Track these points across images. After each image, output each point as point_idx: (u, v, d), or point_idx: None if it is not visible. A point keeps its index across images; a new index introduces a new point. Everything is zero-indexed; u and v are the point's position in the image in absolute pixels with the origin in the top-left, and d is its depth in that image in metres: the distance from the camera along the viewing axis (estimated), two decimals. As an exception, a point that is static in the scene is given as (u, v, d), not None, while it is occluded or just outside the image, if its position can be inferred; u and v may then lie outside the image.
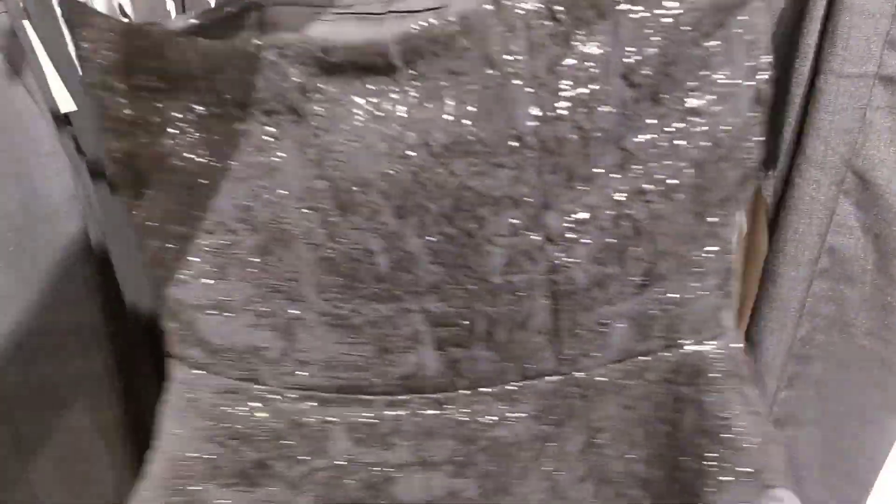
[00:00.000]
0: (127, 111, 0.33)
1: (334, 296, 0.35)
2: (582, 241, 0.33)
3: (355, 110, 0.31)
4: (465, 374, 0.36)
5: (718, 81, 0.32)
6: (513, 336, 0.35)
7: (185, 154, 0.33)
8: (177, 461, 0.38)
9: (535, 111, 0.31)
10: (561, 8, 0.30)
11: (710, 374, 0.36)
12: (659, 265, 0.35)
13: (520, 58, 0.30)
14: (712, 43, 0.31)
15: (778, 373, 0.45)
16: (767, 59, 0.32)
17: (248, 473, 0.37)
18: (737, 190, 0.35)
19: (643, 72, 0.31)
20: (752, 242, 0.64)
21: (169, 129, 0.33)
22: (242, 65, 0.31)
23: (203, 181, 0.33)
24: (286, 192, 0.33)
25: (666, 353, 0.36)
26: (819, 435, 0.45)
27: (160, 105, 0.32)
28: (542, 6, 0.30)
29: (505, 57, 0.30)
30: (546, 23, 0.30)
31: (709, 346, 0.36)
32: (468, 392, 0.36)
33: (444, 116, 0.31)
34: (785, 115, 0.40)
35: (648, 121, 0.32)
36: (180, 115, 0.32)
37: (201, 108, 0.32)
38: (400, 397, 0.36)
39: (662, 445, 0.38)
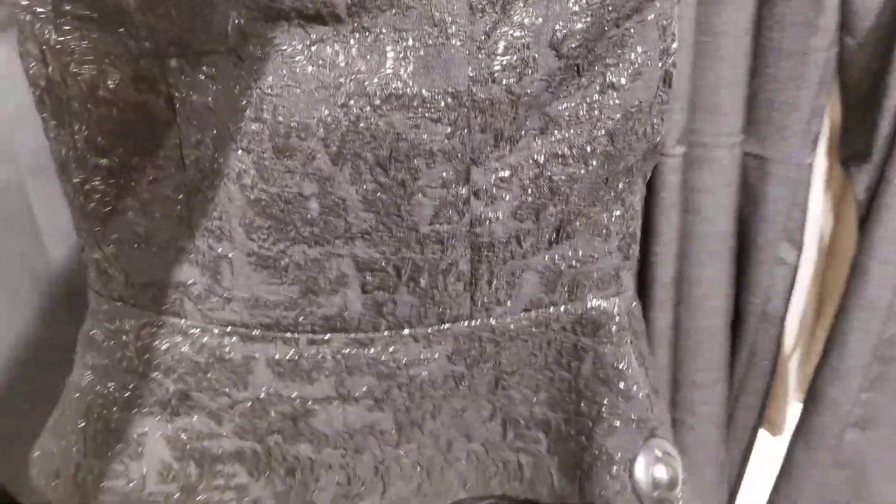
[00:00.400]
0: (55, 37, 0.32)
1: (263, 237, 0.35)
2: (504, 197, 0.36)
3: (297, 57, 0.32)
4: (387, 316, 0.38)
5: (634, 60, 0.35)
6: (435, 283, 0.37)
7: (114, 88, 0.33)
8: (95, 390, 0.38)
9: (471, 72, 0.33)
10: None
11: (609, 327, 0.39)
12: (570, 224, 0.37)
13: (460, 20, 0.32)
14: (630, 25, 0.34)
15: (861, 374, 0.44)
16: (675, 43, 0.36)
17: (169, 403, 0.38)
18: (642, 160, 0.38)
19: (570, 45, 0.33)
20: (838, 242, 0.64)
21: (100, 62, 0.32)
22: (181, 4, 0.31)
23: (132, 116, 0.33)
24: (218, 133, 0.33)
25: (570, 306, 0.39)
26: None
27: (94, 36, 0.32)
28: None
29: (446, 18, 0.32)
30: None
31: (609, 302, 0.39)
32: (389, 333, 0.38)
33: (384, 70, 0.32)
34: (881, 111, 0.39)
35: (571, 90, 0.35)
36: (112, 49, 0.32)
37: (133, 42, 0.32)
38: (323, 336, 0.38)
39: (563, 391, 0.40)
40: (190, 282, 0.37)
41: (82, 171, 0.35)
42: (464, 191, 0.35)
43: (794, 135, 0.60)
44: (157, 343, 0.37)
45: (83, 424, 0.39)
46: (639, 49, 0.35)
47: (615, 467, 0.39)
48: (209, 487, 0.39)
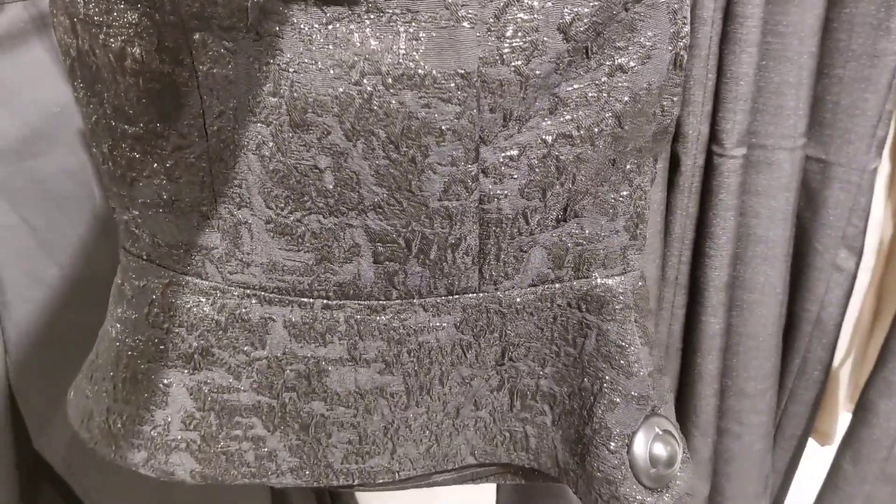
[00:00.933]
0: (83, 10, 0.34)
1: (280, 206, 0.37)
2: (513, 175, 0.36)
3: (314, 35, 0.33)
4: (398, 286, 0.39)
5: (643, 43, 0.35)
6: (444, 255, 0.38)
7: (140, 59, 0.34)
8: (125, 341, 0.41)
9: (481, 54, 0.33)
10: None
11: (614, 305, 0.40)
12: (576, 202, 0.38)
13: (471, 3, 0.33)
14: (640, 8, 0.35)
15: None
16: (687, 27, 0.36)
17: (192, 357, 0.40)
18: (651, 142, 0.38)
19: (579, 28, 0.34)
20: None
21: (127, 34, 0.34)
22: None
23: (157, 86, 0.35)
24: (238, 105, 0.35)
25: (576, 283, 0.40)
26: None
27: (120, 7, 0.34)
28: None
29: (459, 2, 0.33)
30: None
31: (615, 280, 0.40)
32: (399, 302, 0.39)
33: (397, 49, 0.33)
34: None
35: (579, 72, 0.35)
36: (138, 22, 0.34)
37: (158, 16, 0.33)
38: (337, 301, 0.39)
39: (569, 366, 0.41)
40: (211, 245, 0.38)
41: (110, 137, 0.37)
42: (473, 168, 0.36)
43: (858, 139, 0.59)
44: (180, 301, 0.39)
45: (113, 372, 0.41)
46: (649, 33, 0.35)
47: (613, 443, 0.40)
48: (228, 437, 0.41)
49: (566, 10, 0.33)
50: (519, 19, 0.33)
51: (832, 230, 0.62)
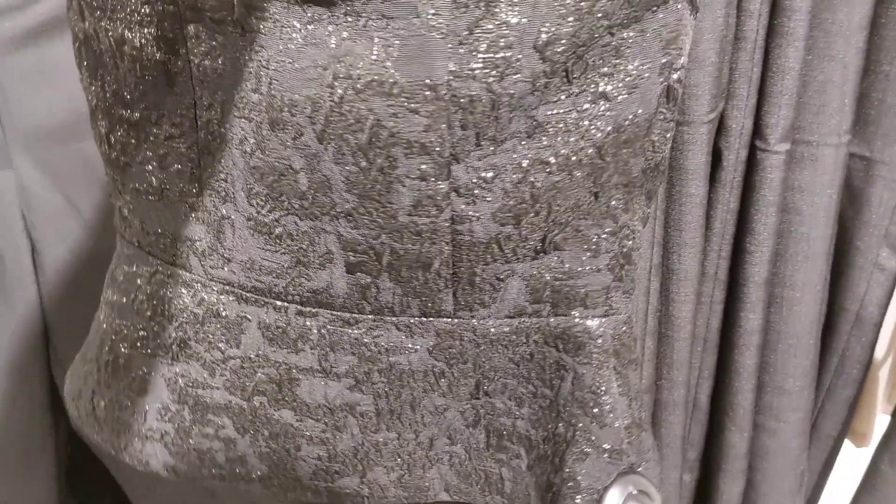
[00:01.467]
0: None
1: (261, 203, 0.37)
2: (486, 198, 0.35)
3: (293, 35, 0.33)
4: (370, 300, 0.38)
5: (630, 71, 0.33)
6: (415, 274, 0.37)
7: (139, 46, 0.35)
8: (110, 325, 0.42)
9: (452, 66, 0.32)
10: None
11: (591, 348, 0.38)
12: (556, 234, 0.36)
13: (443, 13, 0.31)
14: (627, 34, 0.33)
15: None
16: (682, 59, 0.34)
17: (170, 348, 0.40)
18: (641, 179, 0.36)
19: (556, 49, 0.32)
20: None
21: (127, 20, 0.35)
22: None
23: (154, 73, 0.35)
24: (225, 99, 0.35)
25: (553, 319, 0.38)
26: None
27: None
28: None
29: (429, 10, 0.31)
30: None
31: (595, 322, 0.38)
32: (372, 317, 0.38)
33: (370, 54, 0.32)
34: None
35: (560, 97, 0.33)
36: (138, 9, 0.34)
37: (159, 4, 0.34)
38: (310, 309, 0.39)
39: (545, 409, 0.39)
40: (196, 237, 0.38)
41: (108, 121, 0.37)
42: (444, 186, 0.35)
43: (904, 137, 0.58)
44: (163, 291, 0.40)
45: (98, 355, 0.42)
46: (636, 62, 0.33)
47: (580, 496, 0.38)
48: (201, 434, 0.41)
49: (542, 28, 0.32)
50: (493, 34, 0.32)
51: (874, 229, 0.62)
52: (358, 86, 0.33)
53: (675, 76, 0.34)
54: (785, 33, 0.55)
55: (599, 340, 0.38)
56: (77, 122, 0.48)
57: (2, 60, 0.42)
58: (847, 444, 0.73)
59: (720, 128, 0.59)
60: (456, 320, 0.38)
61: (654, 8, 0.33)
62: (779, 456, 0.68)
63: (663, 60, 0.34)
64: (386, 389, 0.40)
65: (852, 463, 0.73)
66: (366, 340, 0.39)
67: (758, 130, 0.59)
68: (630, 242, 0.37)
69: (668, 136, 0.35)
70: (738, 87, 0.57)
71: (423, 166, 0.34)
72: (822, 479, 0.73)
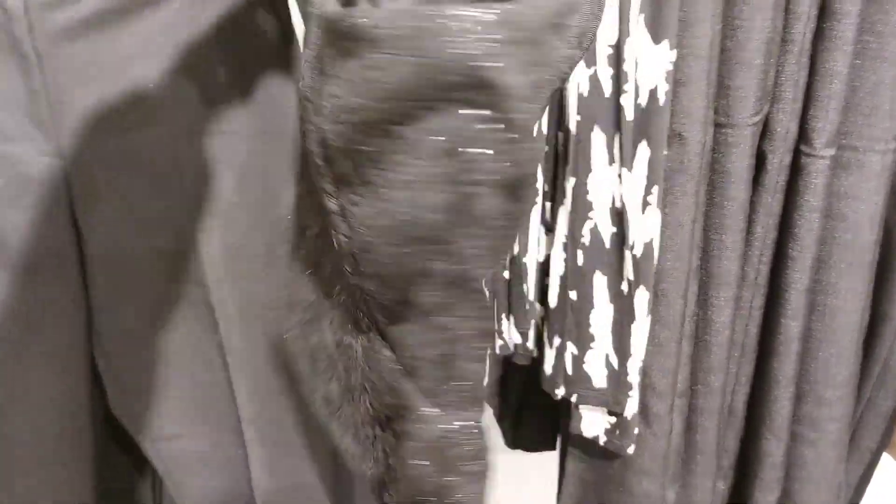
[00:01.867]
0: None
1: None
2: None
3: None
4: None
5: None
6: None
7: None
8: None
9: None
10: None
11: None
12: None
13: None
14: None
15: None
16: None
17: None
18: None
19: None
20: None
21: None
22: None
23: None
24: None
25: None
26: None
27: None
28: None
29: None
30: None
31: None
32: None
33: None
34: None
35: None
36: None
37: None
38: None
39: None
40: None
41: None
42: None
43: (953, 143, 0.57)
44: None
45: None
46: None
47: None
48: None
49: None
50: None
51: (921, 237, 0.61)
52: None
53: None
54: (834, 37, 0.54)
55: None
56: (127, 113, 0.48)
57: (54, 51, 0.43)
58: (885, 457, 0.71)
59: (764, 131, 0.58)
60: None
61: None
62: (816, 466, 0.67)
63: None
64: None
65: (891, 475, 0.71)
66: None
67: (803, 135, 0.58)
68: None
69: None
70: (783, 91, 0.57)
71: None
72: (860, 492, 0.72)
